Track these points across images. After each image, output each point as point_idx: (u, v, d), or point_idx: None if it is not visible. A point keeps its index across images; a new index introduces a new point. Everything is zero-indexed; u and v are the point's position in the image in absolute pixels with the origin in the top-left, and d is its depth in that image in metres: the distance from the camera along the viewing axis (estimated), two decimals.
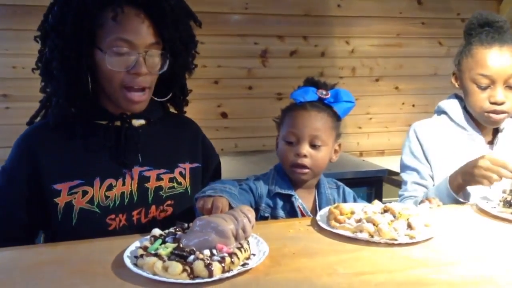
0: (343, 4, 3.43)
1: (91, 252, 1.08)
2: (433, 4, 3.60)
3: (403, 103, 3.68)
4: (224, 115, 3.32)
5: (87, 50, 1.24)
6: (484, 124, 1.70)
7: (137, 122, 1.37)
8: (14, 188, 1.29)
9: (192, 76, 1.48)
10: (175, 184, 1.39)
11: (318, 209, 1.46)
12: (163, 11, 1.25)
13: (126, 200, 1.31)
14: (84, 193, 1.27)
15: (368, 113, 3.62)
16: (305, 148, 1.41)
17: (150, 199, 1.34)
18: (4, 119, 2.85)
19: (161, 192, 1.36)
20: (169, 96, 1.42)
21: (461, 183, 1.50)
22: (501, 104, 1.61)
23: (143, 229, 1.26)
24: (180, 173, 1.41)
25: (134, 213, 1.32)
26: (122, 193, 1.31)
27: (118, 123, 1.34)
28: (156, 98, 1.40)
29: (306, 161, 1.41)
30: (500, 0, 3.72)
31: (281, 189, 1.44)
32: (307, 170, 1.42)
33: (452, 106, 1.77)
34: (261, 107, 3.29)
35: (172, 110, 1.54)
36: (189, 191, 1.41)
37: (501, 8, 3.71)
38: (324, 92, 1.45)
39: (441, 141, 1.71)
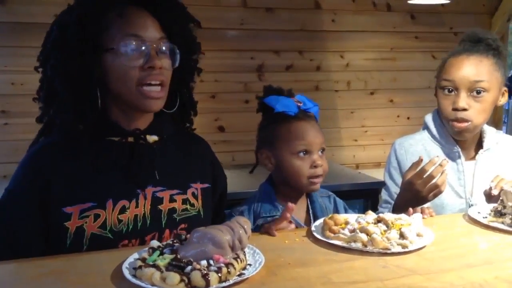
0: (337, 19, 3.48)
1: (90, 264, 1.10)
2: (426, 19, 3.67)
3: (398, 116, 3.73)
4: (221, 128, 3.36)
5: (92, 59, 1.21)
6: (452, 135, 1.71)
7: (151, 138, 1.32)
8: (20, 211, 1.22)
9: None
10: (188, 206, 1.33)
11: (312, 218, 1.48)
12: (166, 8, 1.27)
13: (139, 224, 1.25)
14: (96, 216, 1.21)
15: (363, 126, 3.66)
16: (320, 158, 1.45)
17: (163, 222, 1.29)
18: (3, 135, 2.87)
19: (174, 215, 1.31)
20: (176, 107, 1.37)
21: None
22: (462, 110, 1.61)
23: None
24: (193, 194, 1.36)
25: (147, 238, 1.26)
26: (135, 216, 1.25)
27: (131, 139, 1.29)
28: (166, 110, 1.35)
29: (319, 171, 1.45)
30: (492, 14, 3.79)
31: (266, 213, 1.45)
32: (321, 178, 1.47)
33: (433, 121, 1.78)
34: (257, 121, 3.30)
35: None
36: (202, 213, 1.37)
37: (493, 21, 3.78)
38: (299, 100, 1.49)
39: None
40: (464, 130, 1.65)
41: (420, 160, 1.47)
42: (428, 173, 1.44)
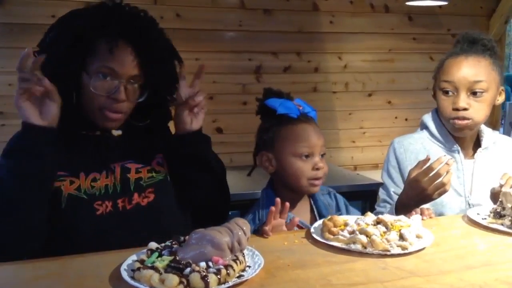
0: (335, 21, 3.48)
1: (88, 266, 1.10)
2: (423, 20, 3.67)
3: (396, 117, 3.73)
4: (219, 130, 3.35)
5: (76, 71, 1.33)
6: (452, 132, 1.72)
7: (116, 133, 1.45)
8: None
9: None
10: (153, 174, 1.45)
11: (318, 217, 1.49)
12: (150, 49, 1.37)
13: (111, 191, 1.38)
14: (71, 182, 1.35)
15: (361, 127, 3.66)
16: (321, 161, 1.46)
17: (132, 187, 1.41)
18: (0, 136, 2.86)
19: (141, 182, 1.43)
20: (147, 122, 1.48)
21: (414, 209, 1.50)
22: (463, 110, 1.63)
23: (129, 214, 1.37)
24: (158, 163, 1.49)
25: (119, 201, 1.38)
26: (106, 185, 1.39)
27: (98, 132, 1.42)
28: (135, 123, 1.46)
29: (320, 173, 1.46)
30: (489, 16, 3.80)
31: None
32: (322, 181, 1.48)
33: (432, 120, 1.79)
34: (255, 122, 3.28)
35: None
36: (168, 177, 1.48)
37: (490, 23, 3.79)
38: (299, 104, 1.49)
39: (421, 158, 1.69)
40: (464, 127, 1.67)
41: (428, 159, 1.47)
42: (435, 171, 1.43)
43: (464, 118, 1.64)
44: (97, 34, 1.32)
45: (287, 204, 1.33)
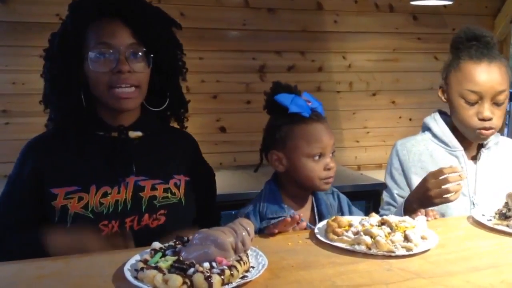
0: (340, 20, 3.47)
1: (91, 266, 1.09)
2: (428, 20, 3.66)
3: (400, 117, 3.72)
4: (222, 129, 3.35)
5: (75, 67, 1.34)
6: (473, 140, 1.70)
7: (134, 134, 1.42)
8: (20, 192, 1.37)
9: (190, 91, 1.50)
10: (169, 195, 1.42)
11: (317, 217, 1.48)
12: (137, 15, 1.36)
13: (120, 208, 1.35)
14: (80, 198, 1.33)
15: (365, 127, 3.65)
16: (332, 161, 1.45)
17: (143, 207, 1.37)
18: (4, 134, 2.86)
19: (154, 201, 1.39)
20: (165, 105, 1.46)
21: (418, 209, 1.49)
22: (489, 120, 1.61)
23: (135, 235, 1.32)
24: (175, 184, 1.44)
25: (127, 220, 1.35)
26: (116, 200, 1.35)
27: (115, 134, 1.40)
28: (152, 108, 1.45)
29: (331, 173, 1.45)
30: (494, 15, 3.78)
31: (271, 214, 1.43)
32: (332, 179, 1.47)
33: (435, 122, 1.77)
34: (259, 121, 3.27)
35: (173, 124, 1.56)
36: (183, 201, 1.44)
37: (495, 23, 3.77)
38: (308, 99, 1.48)
39: (424, 159, 1.70)
40: (489, 136, 1.66)
41: (450, 167, 1.46)
42: (444, 176, 1.42)
43: (490, 128, 1.62)
44: (83, 25, 1.33)
45: (304, 223, 1.33)
